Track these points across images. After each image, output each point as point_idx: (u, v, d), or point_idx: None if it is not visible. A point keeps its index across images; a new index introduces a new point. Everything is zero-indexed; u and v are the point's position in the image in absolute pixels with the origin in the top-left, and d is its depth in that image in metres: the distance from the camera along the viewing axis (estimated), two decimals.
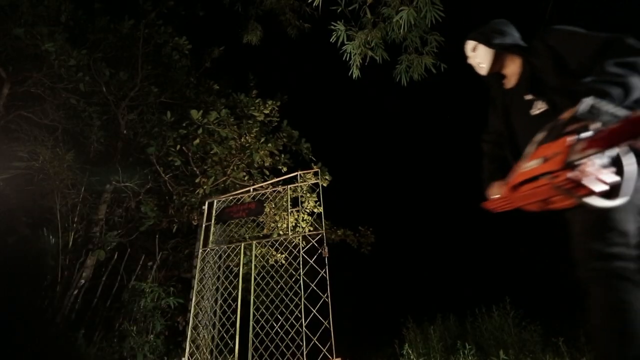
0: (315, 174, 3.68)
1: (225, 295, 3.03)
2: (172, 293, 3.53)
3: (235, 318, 2.84)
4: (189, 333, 2.95)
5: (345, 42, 3.18)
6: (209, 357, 3.04)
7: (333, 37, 3.16)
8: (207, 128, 4.49)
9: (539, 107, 1.18)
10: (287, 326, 2.69)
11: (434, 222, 10.21)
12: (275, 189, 3.39)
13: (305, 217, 4.75)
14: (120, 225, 4.88)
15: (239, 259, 3.05)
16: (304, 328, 2.59)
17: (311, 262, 2.73)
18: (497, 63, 1.34)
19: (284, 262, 3.95)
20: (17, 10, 4.44)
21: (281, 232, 4.45)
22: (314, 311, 2.59)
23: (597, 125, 0.76)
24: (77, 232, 4.56)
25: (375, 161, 13.24)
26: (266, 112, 5.34)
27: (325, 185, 4.72)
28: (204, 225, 3.38)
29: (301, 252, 2.81)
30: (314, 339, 2.52)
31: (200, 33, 6.64)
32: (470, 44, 1.41)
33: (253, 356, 2.71)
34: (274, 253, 4.36)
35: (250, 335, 2.75)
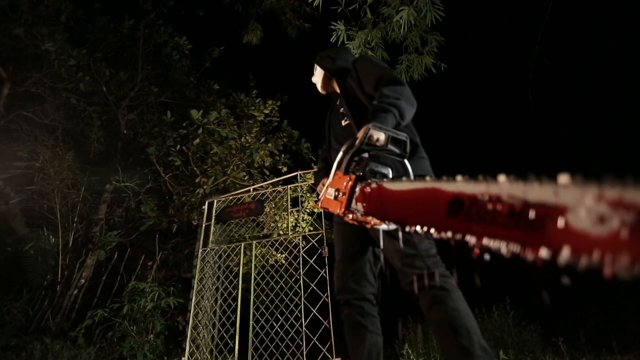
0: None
1: (225, 295, 3.03)
2: (172, 293, 3.53)
3: (235, 318, 2.84)
4: (189, 333, 2.95)
5: (346, 42, 3.18)
6: (209, 357, 3.04)
7: (333, 36, 3.16)
8: (207, 128, 4.50)
9: (346, 120, 1.37)
10: (287, 326, 2.69)
11: None
12: (275, 188, 3.38)
13: (305, 217, 4.75)
14: (120, 225, 4.88)
15: (239, 259, 3.05)
16: (304, 328, 2.59)
17: (311, 262, 2.73)
18: (329, 84, 1.54)
19: (283, 262, 3.95)
20: (17, 10, 4.44)
21: (281, 232, 4.45)
22: (314, 311, 2.59)
23: (373, 165, 0.81)
24: (77, 232, 4.56)
25: None
26: (266, 112, 5.34)
27: None
28: (204, 225, 3.38)
29: (301, 252, 2.81)
30: (314, 339, 2.52)
31: (201, 33, 6.65)
32: (315, 67, 1.60)
33: (253, 356, 2.71)
34: (274, 253, 4.36)
35: (250, 335, 2.75)
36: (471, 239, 0.44)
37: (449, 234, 0.47)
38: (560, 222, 0.34)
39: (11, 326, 3.33)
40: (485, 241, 0.42)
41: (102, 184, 4.96)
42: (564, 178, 0.35)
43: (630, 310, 4.13)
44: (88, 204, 4.81)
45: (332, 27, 3.15)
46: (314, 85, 1.63)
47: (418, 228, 0.53)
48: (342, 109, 1.41)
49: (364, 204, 0.71)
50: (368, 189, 0.71)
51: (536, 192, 0.37)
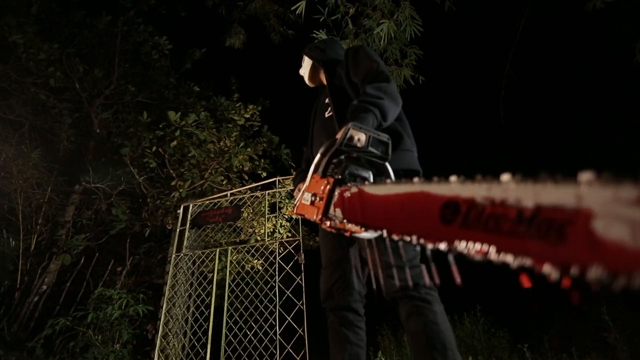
0: None
1: (198, 302, 2.95)
2: (142, 300, 3.39)
3: (208, 326, 2.77)
4: (158, 342, 2.84)
5: None
6: None
7: None
8: (185, 130, 4.40)
9: (330, 112, 1.33)
10: (260, 334, 2.65)
11: None
12: (253, 194, 3.35)
13: (284, 222, 4.72)
14: (89, 228, 4.66)
15: (214, 265, 2.98)
16: (278, 336, 2.55)
17: (287, 268, 2.70)
18: (316, 75, 1.51)
19: (259, 268, 3.90)
20: None
21: (259, 238, 4.40)
22: (289, 319, 2.56)
23: (354, 166, 0.77)
24: (40, 235, 4.31)
25: None
26: (247, 116, 5.30)
27: None
28: (178, 230, 3.29)
29: (277, 258, 2.78)
30: (288, 347, 2.49)
31: (182, 34, 6.53)
32: (303, 58, 1.57)
33: None
34: (250, 259, 4.30)
35: (223, 344, 2.68)
36: (470, 251, 0.37)
37: (443, 244, 0.41)
38: (586, 231, 0.27)
39: None
40: (489, 253, 0.35)
41: (70, 184, 4.73)
42: (587, 176, 0.28)
43: (590, 316, 4.36)
44: (54, 205, 4.56)
45: (315, 35, 3.19)
46: (302, 78, 1.57)
47: (406, 238, 0.47)
48: (327, 99, 1.37)
49: (343, 210, 0.65)
50: (348, 194, 0.64)
51: (551, 193, 0.31)
